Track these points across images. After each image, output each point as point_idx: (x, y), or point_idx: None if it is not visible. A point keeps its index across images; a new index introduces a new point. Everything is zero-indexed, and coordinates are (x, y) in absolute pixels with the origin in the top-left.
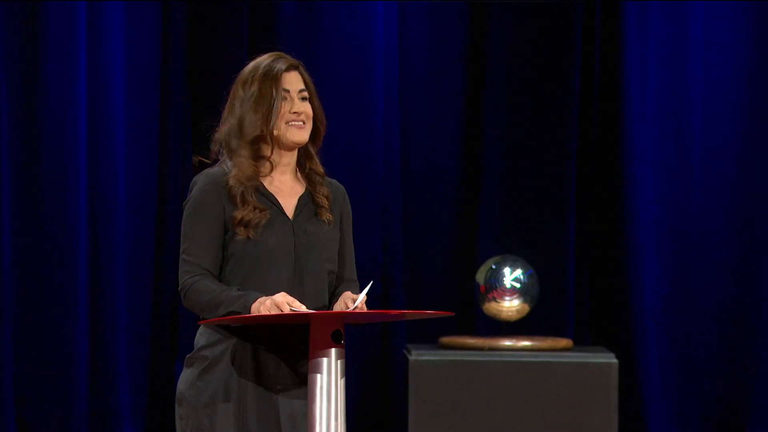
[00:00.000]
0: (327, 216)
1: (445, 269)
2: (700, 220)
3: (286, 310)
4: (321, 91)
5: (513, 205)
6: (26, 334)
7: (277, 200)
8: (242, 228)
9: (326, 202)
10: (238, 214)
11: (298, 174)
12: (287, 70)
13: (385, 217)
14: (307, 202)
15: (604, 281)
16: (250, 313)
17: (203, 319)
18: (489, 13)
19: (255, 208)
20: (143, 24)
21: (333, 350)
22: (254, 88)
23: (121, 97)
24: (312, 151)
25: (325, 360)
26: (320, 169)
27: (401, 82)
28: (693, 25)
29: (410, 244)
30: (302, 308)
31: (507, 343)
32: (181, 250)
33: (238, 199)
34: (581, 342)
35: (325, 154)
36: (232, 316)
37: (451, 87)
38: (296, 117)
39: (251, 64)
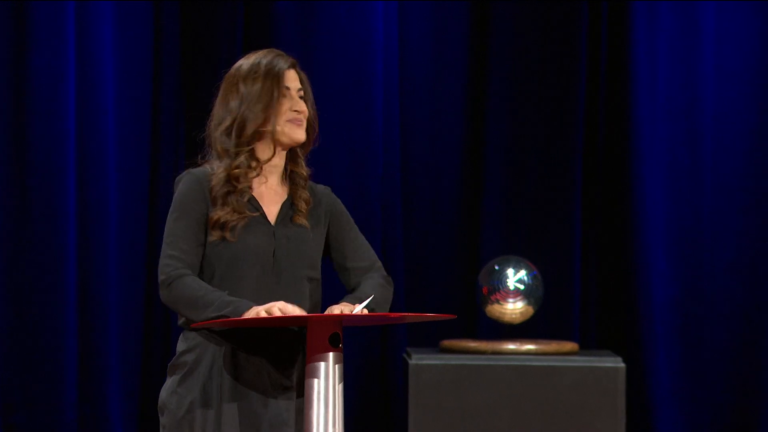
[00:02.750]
0: (302, 221)
1: (447, 270)
2: (710, 221)
3: (277, 313)
4: (319, 88)
5: (517, 204)
6: (14, 339)
7: (260, 205)
8: (218, 230)
9: (304, 207)
10: (215, 215)
11: (284, 179)
12: (288, 68)
13: (385, 216)
14: (289, 208)
15: (610, 283)
16: (240, 317)
17: (185, 318)
18: (491, 8)
19: (234, 210)
20: (134, 21)
21: (331, 354)
22: (257, 85)
23: (111, 96)
24: (299, 154)
25: (322, 364)
26: (304, 172)
27: (401, 79)
28: (704, 19)
29: (410, 244)
30: (299, 312)
31: (510, 346)
32: (164, 243)
33: (219, 200)
34: (587, 345)
35: (323, 153)
36: (225, 319)
37: (452, 83)
38: (297, 115)
39: (250, 61)
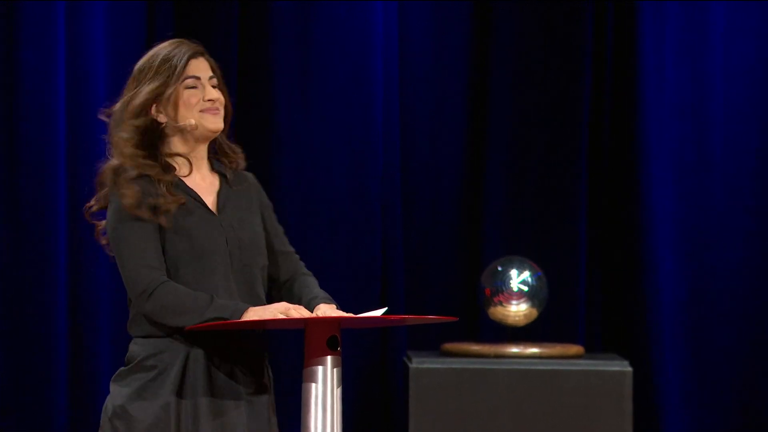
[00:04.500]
0: (241, 207)
1: (448, 271)
2: (720, 220)
3: (294, 315)
4: (318, 87)
5: (520, 203)
6: (4, 341)
7: (199, 196)
8: (160, 216)
9: (239, 191)
10: (156, 201)
11: (211, 169)
12: (194, 56)
13: (385, 216)
14: (227, 196)
15: (617, 284)
16: (240, 319)
17: (176, 323)
18: (494, 6)
19: (167, 194)
20: (127, 19)
21: (329, 358)
22: (151, 74)
23: (103, 94)
24: (221, 140)
25: (320, 368)
26: (236, 163)
27: (401, 75)
28: (713, 14)
29: (411, 244)
30: (306, 314)
31: (514, 349)
32: (127, 257)
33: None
34: (593, 349)
35: (323, 152)
36: (221, 321)
37: (454, 79)
38: (211, 105)
39: (149, 52)
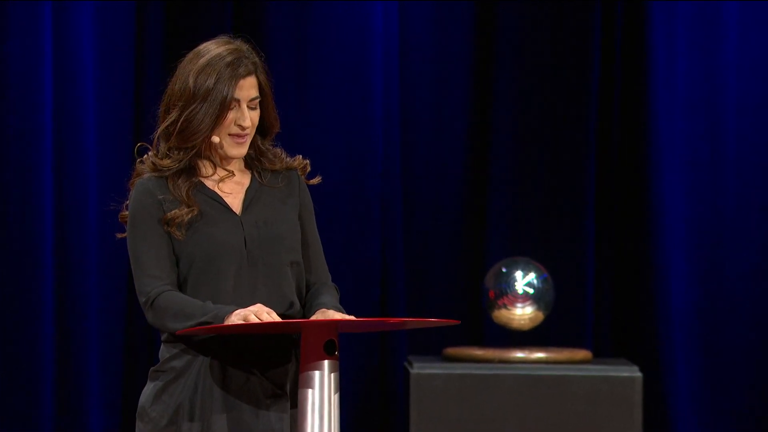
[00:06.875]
0: (272, 204)
1: (451, 273)
2: (733, 220)
3: (253, 320)
4: (314, 81)
5: (525, 202)
6: None
7: (220, 197)
8: (173, 228)
9: (271, 187)
10: (169, 215)
11: (244, 167)
12: (245, 76)
13: (385, 216)
14: (255, 194)
15: (626, 286)
16: (223, 323)
17: (174, 330)
18: None
19: (184, 206)
20: (115, 17)
21: (326, 362)
22: (209, 82)
23: (91, 90)
24: (263, 146)
25: (317, 373)
26: (276, 165)
27: (402, 69)
28: (725, 6)
29: (412, 245)
30: (276, 318)
31: (519, 354)
32: (134, 267)
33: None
34: (601, 354)
35: (320, 149)
36: (214, 325)
37: (456, 73)
38: (240, 131)
39: (209, 56)
